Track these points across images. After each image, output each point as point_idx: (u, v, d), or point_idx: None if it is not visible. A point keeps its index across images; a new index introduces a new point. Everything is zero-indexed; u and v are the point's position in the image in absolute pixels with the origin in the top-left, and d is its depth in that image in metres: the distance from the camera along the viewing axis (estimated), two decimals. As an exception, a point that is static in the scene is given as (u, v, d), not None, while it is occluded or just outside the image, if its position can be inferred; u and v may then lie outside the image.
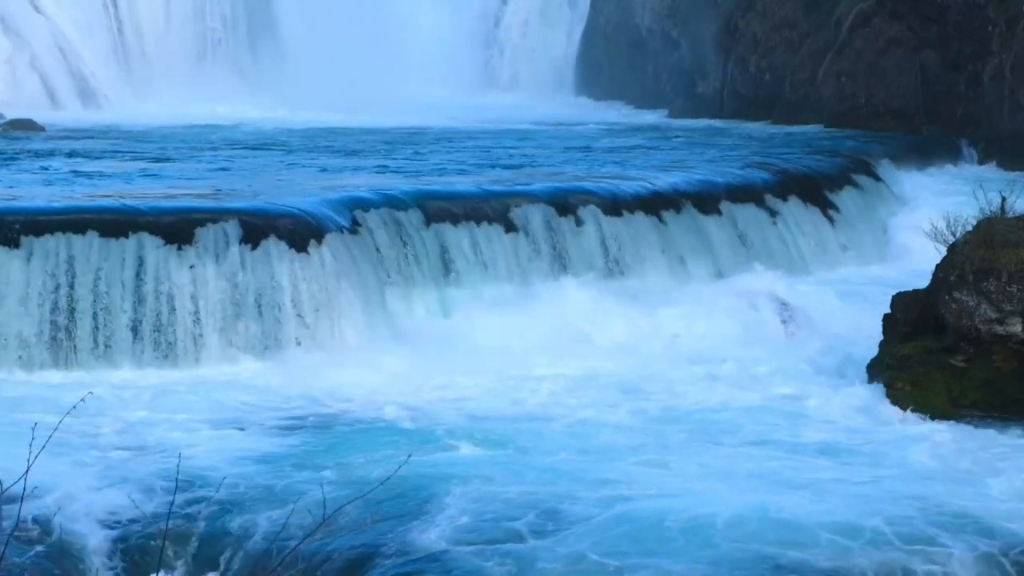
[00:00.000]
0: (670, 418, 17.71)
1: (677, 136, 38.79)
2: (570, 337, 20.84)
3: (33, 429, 8.77)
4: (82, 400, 10.64)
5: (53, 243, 20.05)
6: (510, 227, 23.06)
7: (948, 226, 19.33)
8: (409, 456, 12.98)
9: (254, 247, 20.48)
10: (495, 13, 60.36)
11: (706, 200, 25.63)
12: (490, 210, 23.18)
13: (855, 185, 29.56)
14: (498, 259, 22.68)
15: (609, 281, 23.09)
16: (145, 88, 51.30)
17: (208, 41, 56.18)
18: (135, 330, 19.80)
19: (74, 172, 27.26)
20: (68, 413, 10.17)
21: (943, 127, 39.46)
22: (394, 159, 30.64)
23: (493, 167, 28.98)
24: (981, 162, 37.32)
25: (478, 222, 22.87)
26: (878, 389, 18.42)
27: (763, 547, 12.97)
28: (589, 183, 25.45)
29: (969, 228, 18.86)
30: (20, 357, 19.49)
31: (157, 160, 30.13)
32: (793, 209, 26.88)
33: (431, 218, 22.61)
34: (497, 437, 16.64)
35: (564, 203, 23.89)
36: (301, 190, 23.77)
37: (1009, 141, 36.77)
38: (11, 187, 24.48)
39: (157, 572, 13.43)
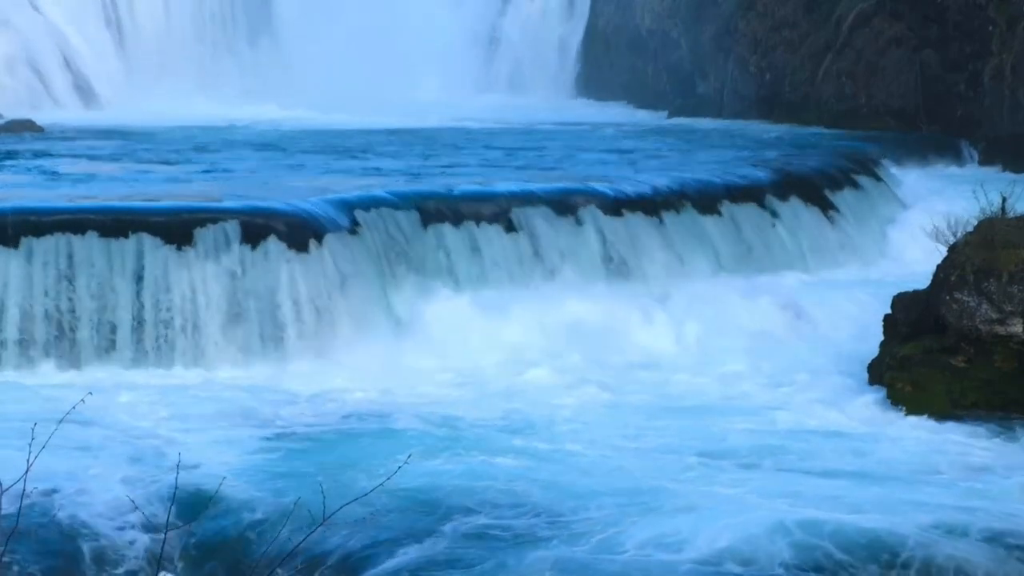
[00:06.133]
0: (670, 421, 17.68)
1: (677, 136, 38.75)
2: (570, 338, 20.81)
3: (33, 429, 8.77)
4: (82, 400, 10.63)
5: (53, 243, 20.04)
6: (510, 227, 23.04)
7: (949, 226, 19.32)
8: (409, 456, 12.96)
9: (254, 247, 20.47)
10: (496, 13, 60.25)
11: (706, 200, 25.61)
12: (490, 210, 23.15)
13: (855, 185, 29.52)
14: (498, 259, 22.64)
15: (609, 283, 23.05)
16: (145, 88, 51.23)
17: (208, 41, 56.17)
18: (135, 330, 19.78)
19: (74, 172, 27.23)
20: (68, 414, 10.17)
21: (943, 127, 39.41)
22: (394, 159, 30.61)
23: (493, 167, 28.95)
24: (981, 162, 37.25)
25: (478, 222, 22.84)
26: (879, 389, 18.41)
27: (772, 557, 12.93)
28: (589, 183, 25.40)
29: (970, 228, 18.85)
30: (20, 357, 19.47)
31: (157, 160, 30.09)
32: (793, 209, 26.85)
33: (431, 218, 22.59)
34: (498, 440, 16.62)
35: (564, 203, 23.87)
36: (301, 190, 23.75)
37: (1009, 141, 36.73)
38: (11, 187, 24.46)
39: (157, 572, 13.42)
